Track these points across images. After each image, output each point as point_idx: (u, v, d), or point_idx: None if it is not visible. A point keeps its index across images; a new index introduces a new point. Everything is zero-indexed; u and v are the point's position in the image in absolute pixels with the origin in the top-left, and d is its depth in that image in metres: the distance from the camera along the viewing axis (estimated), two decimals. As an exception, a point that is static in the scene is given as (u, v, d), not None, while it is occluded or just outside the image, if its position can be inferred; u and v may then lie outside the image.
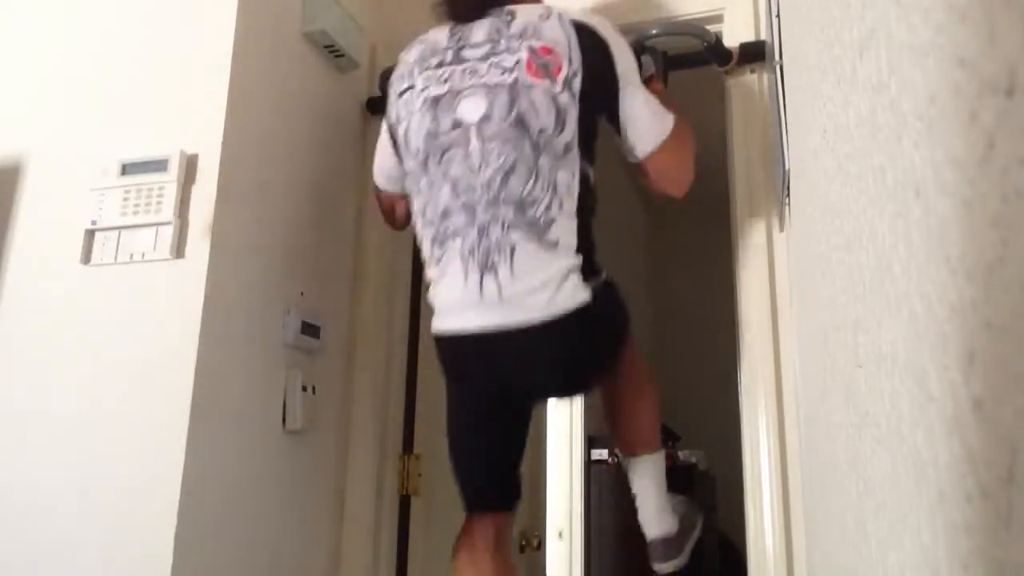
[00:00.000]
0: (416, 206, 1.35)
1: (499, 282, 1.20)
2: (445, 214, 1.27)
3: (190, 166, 1.43)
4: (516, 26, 1.31)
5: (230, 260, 1.42)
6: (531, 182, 1.23)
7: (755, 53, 1.65)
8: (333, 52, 1.78)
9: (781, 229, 1.54)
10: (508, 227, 1.22)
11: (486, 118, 1.26)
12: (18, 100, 1.65)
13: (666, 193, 1.41)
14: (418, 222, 1.34)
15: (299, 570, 1.59)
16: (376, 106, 1.93)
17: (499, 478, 1.39)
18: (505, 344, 1.23)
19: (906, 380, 0.34)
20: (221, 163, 1.42)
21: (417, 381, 1.94)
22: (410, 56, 1.41)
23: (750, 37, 1.69)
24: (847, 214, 0.49)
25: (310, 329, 1.63)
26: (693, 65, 1.70)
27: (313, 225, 1.71)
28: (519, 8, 1.35)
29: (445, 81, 1.31)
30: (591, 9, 1.83)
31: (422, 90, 1.33)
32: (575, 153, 1.26)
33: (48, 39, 1.67)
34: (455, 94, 1.29)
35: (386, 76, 1.84)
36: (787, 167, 1.18)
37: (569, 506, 2.69)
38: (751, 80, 1.68)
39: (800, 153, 0.94)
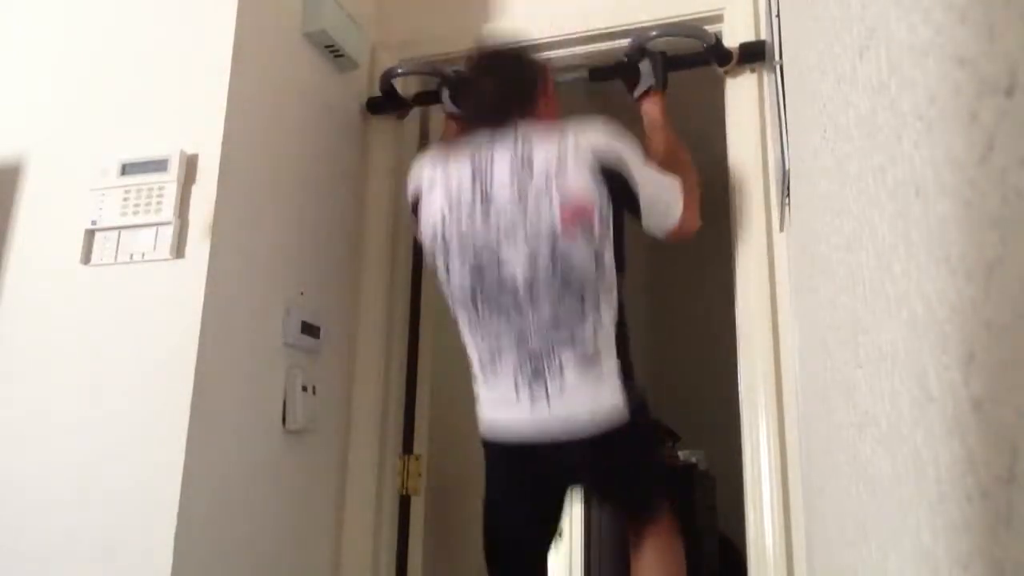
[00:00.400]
0: (465, 336, 1.43)
1: (548, 396, 1.32)
2: (497, 345, 1.37)
3: (190, 166, 1.43)
4: (538, 168, 1.32)
5: (230, 260, 1.42)
6: (578, 321, 1.33)
7: (755, 53, 1.65)
8: (333, 52, 1.78)
9: (781, 229, 1.54)
10: (558, 350, 1.32)
11: (531, 276, 1.33)
12: (18, 100, 1.65)
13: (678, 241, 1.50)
14: (467, 340, 1.43)
15: (299, 570, 1.59)
16: (376, 106, 1.94)
17: (531, 569, 1.49)
18: (553, 452, 1.34)
19: (906, 380, 0.34)
20: (221, 163, 1.42)
21: (417, 381, 1.94)
22: (434, 187, 1.41)
23: (750, 37, 1.68)
24: (847, 214, 0.49)
25: (310, 329, 1.63)
26: (693, 65, 1.70)
27: (313, 225, 1.71)
28: (536, 140, 1.35)
29: (482, 232, 1.35)
30: (594, 15, 1.83)
31: (458, 236, 1.37)
32: (614, 285, 1.37)
33: (48, 39, 1.66)
34: (495, 247, 1.34)
35: (387, 77, 1.84)
36: (787, 167, 1.18)
37: (569, 506, 2.69)
38: (751, 80, 1.68)
39: (800, 153, 0.94)
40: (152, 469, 1.29)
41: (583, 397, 1.31)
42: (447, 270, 1.40)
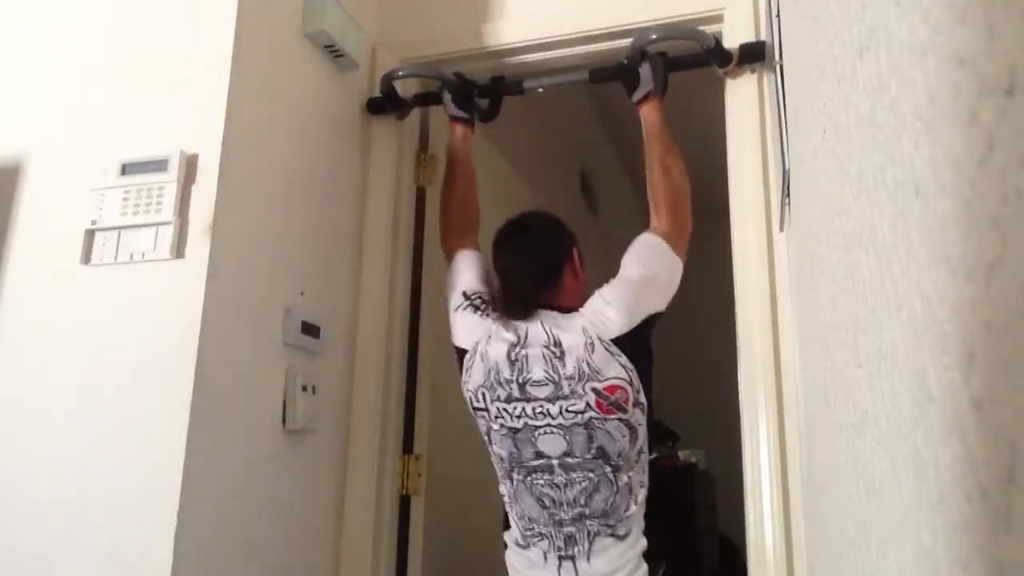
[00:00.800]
0: (505, 495, 1.48)
1: (576, 568, 1.37)
2: (532, 519, 1.42)
3: (190, 166, 1.43)
4: (570, 365, 1.38)
5: (230, 260, 1.42)
6: (612, 496, 1.38)
7: (755, 53, 1.65)
8: (333, 52, 1.78)
9: (781, 229, 1.54)
10: (590, 530, 1.38)
11: (567, 454, 1.39)
12: (18, 100, 1.65)
13: None
14: (508, 507, 1.48)
15: (299, 570, 1.59)
16: (376, 106, 1.94)
17: None
18: None
19: (906, 380, 0.34)
20: (221, 163, 1.42)
21: (417, 381, 1.94)
22: (475, 361, 1.46)
23: (750, 37, 1.68)
24: (847, 214, 0.49)
25: (310, 329, 1.63)
26: (693, 66, 1.70)
27: (313, 225, 1.71)
28: (562, 331, 1.40)
29: (519, 416, 1.42)
30: (594, 15, 1.83)
31: (497, 417, 1.44)
32: (646, 449, 1.42)
33: (48, 39, 1.66)
34: (532, 429, 1.41)
35: (388, 79, 1.84)
36: (787, 167, 1.18)
37: None
38: (751, 80, 1.68)
39: (800, 153, 0.94)
40: (152, 469, 1.29)
41: (609, 565, 1.35)
42: (488, 435, 1.48)
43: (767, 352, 1.53)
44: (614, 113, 3.85)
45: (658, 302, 1.45)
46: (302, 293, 1.63)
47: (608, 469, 1.37)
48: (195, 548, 1.28)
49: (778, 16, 1.25)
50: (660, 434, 3.40)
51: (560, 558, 1.38)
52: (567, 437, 1.38)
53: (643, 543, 1.39)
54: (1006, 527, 0.23)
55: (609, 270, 1.49)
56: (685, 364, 3.97)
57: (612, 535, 1.37)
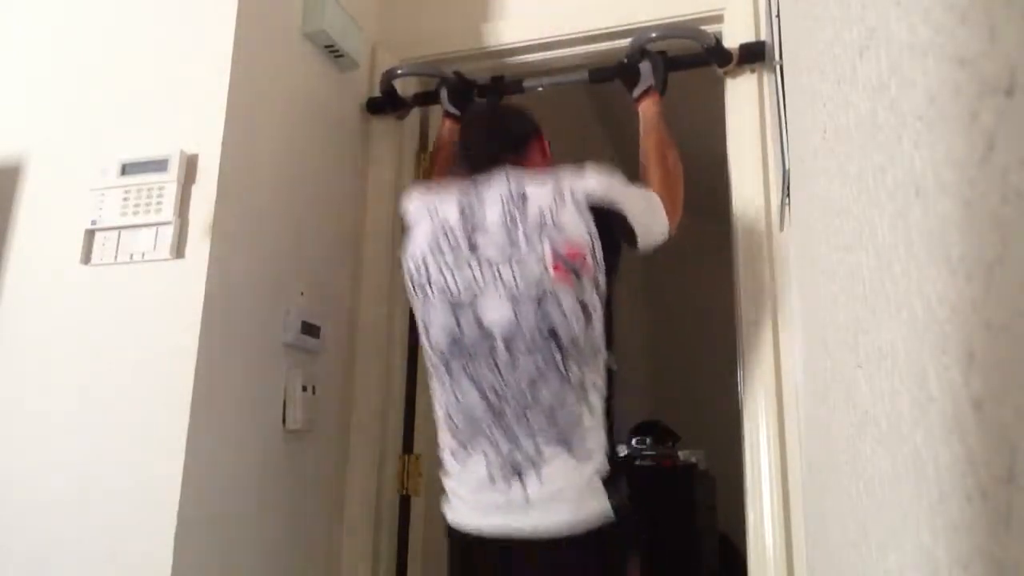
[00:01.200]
0: (437, 393, 1.33)
1: (527, 489, 1.20)
2: (471, 417, 1.26)
3: (190, 166, 1.43)
4: (532, 213, 1.25)
5: (230, 260, 1.42)
6: (561, 389, 1.22)
7: (755, 53, 1.65)
8: (333, 52, 1.78)
9: (781, 229, 1.54)
10: (537, 434, 1.21)
11: (514, 327, 1.23)
12: (18, 100, 1.65)
13: None
14: (438, 412, 1.33)
15: (299, 570, 1.59)
16: (376, 106, 1.94)
17: None
18: (528, 550, 1.21)
19: (906, 380, 0.34)
20: (221, 163, 1.42)
21: (417, 381, 1.94)
22: (420, 223, 1.35)
23: (750, 37, 1.69)
24: (847, 214, 0.49)
25: (310, 329, 1.63)
26: (693, 66, 1.70)
27: (313, 225, 1.71)
28: (528, 185, 1.29)
29: (463, 277, 1.26)
30: (594, 15, 1.83)
31: (437, 282, 1.29)
32: (602, 349, 1.26)
33: (48, 39, 1.67)
34: (477, 294, 1.25)
35: (387, 77, 1.85)
36: (787, 167, 1.18)
37: None
38: (751, 80, 1.68)
39: (800, 153, 0.94)
40: (152, 469, 1.29)
41: (565, 494, 1.19)
42: (426, 314, 1.32)
43: (767, 352, 1.53)
44: (614, 113, 3.85)
45: (637, 217, 1.31)
46: (302, 293, 1.63)
47: (558, 356, 1.21)
48: (195, 548, 1.28)
49: (778, 16, 1.25)
50: (660, 434, 3.41)
51: (507, 475, 1.21)
52: (514, 307, 1.22)
53: (603, 465, 1.21)
54: (1006, 527, 0.23)
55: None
56: (685, 364, 3.97)
57: (563, 445, 1.20)
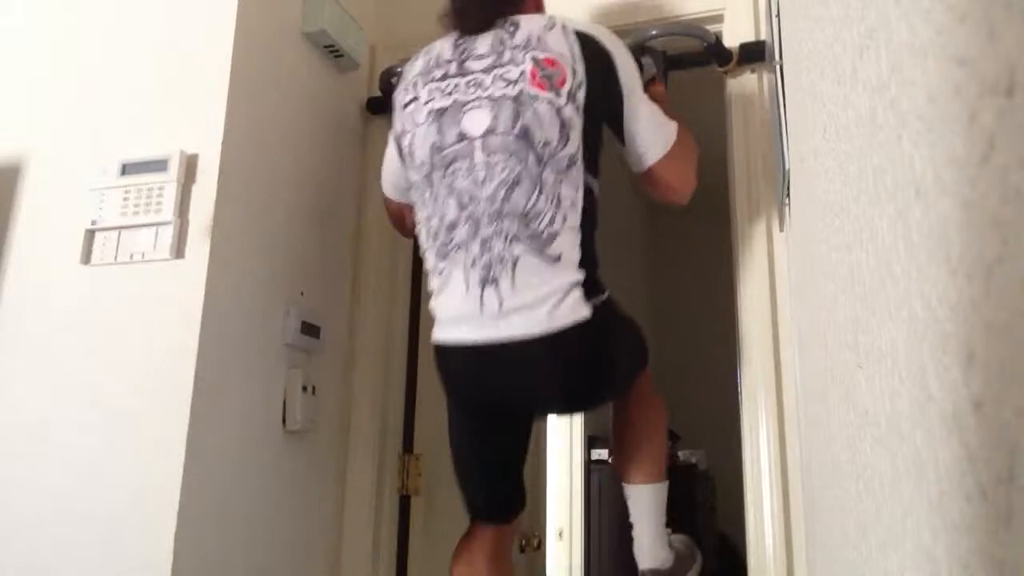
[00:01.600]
0: (420, 217, 1.34)
1: (500, 295, 1.20)
2: (450, 227, 1.26)
3: (190, 166, 1.43)
4: (520, 36, 1.30)
5: (230, 260, 1.42)
6: (535, 195, 1.22)
7: (755, 53, 1.65)
8: (333, 52, 1.78)
9: (781, 229, 1.54)
10: (511, 240, 1.21)
11: (490, 131, 1.25)
12: (18, 100, 1.65)
13: (670, 201, 1.43)
14: (422, 233, 1.34)
15: (299, 570, 1.59)
16: (376, 106, 1.94)
17: (501, 490, 1.41)
18: (504, 357, 1.22)
19: (906, 380, 0.34)
20: (221, 163, 1.42)
21: (417, 381, 1.94)
22: (414, 68, 1.40)
23: (750, 37, 1.69)
24: (847, 214, 0.49)
25: (310, 329, 1.63)
26: (693, 65, 1.70)
27: (313, 225, 1.71)
28: (523, 18, 1.34)
29: (449, 94, 1.30)
30: (594, 14, 1.83)
31: (426, 102, 1.33)
32: (579, 166, 1.26)
33: (48, 39, 1.67)
34: (460, 106, 1.29)
35: (387, 76, 1.84)
36: (787, 167, 1.18)
37: (569, 506, 2.69)
38: (751, 80, 1.68)
39: (800, 153, 0.94)
40: (152, 469, 1.29)
41: (537, 294, 1.19)
42: (411, 142, 1.34)
43: (767, 352, 1.53)
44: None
45: (632, 101, 1.32)
46: (302, 293, 1.63)
47: (532, 158, 1.22)
48: (195, 548, 1.28)
49: (778, 16, 1.25)
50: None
51: (482, 281, 1.21)
52: (493, 111, 1.26)
53: (580, 274, 1.21)
54: (1006, 527, 0.23)
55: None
56: (685, 364, 3.97)
57: (537, 253, 1.20)
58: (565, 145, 1.24)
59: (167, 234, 1.39)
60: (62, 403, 1.38)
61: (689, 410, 3.66)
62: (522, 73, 1.26)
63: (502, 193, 1.22)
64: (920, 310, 0.31)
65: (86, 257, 1.45)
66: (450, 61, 1.33)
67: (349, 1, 1.81)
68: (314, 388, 1.63)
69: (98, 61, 1.59)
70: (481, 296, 1.21)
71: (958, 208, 0.26)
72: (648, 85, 1.62)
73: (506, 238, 1.21)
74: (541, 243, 1.20)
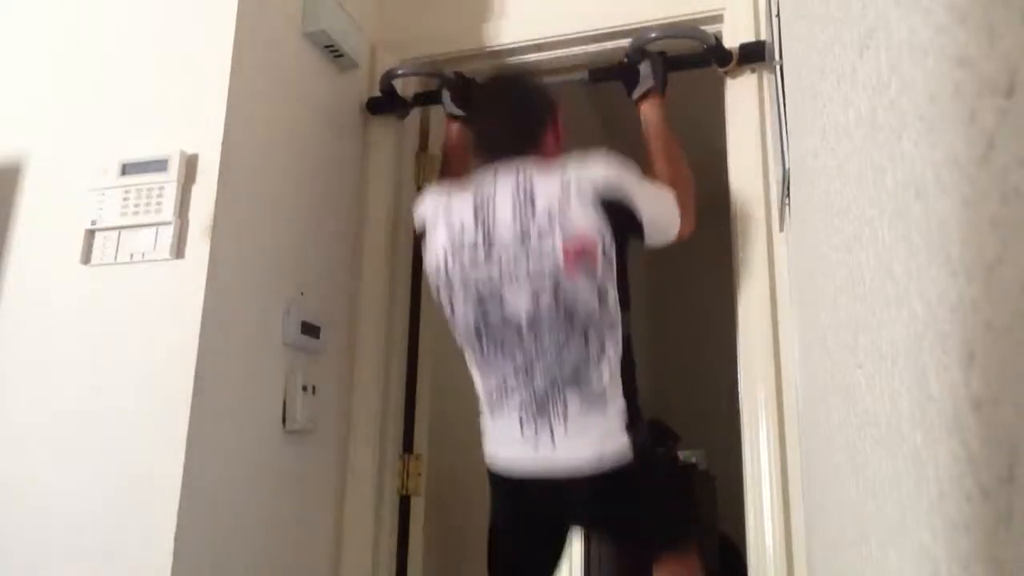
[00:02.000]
0: (471, 362, 1.44)
1: (553, 437, 1.32)
2: (503, 379, 1.37)
3: (190, 166, 1.43)
4: (540, 206, 1.31)
5: (230, 260, 1.42)
6: (583, 355, 1.32)
7: (755, 53, 1.65)
8: (333, 52, 1.78)
9: (781, 229, 1.54)
10: (564, 392, 1.32)
11: (534, 312, 1.33)
12: (18, 100, 1.65)
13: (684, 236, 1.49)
14: (474, 375, 1.44)
15: (299, 570, 1.59)
16: (376, 106, 1.94)
17: None
18: (554, 485, 1.34)
19: (906, 380, 0.34)
20: (221, 163, 1.42)
21: (417, 381, 1.94)
22: (437, 225, 1.41)
23: (750, 37, 1.68)
24: (847, 214, 0.49)
25: (310, 329, 1.63)
26: (693, 66, 1.70)
27: (313, 225, 1.71)
28: (537, 179, 1.34)
29: (485, 274, 1.35)
30: (594, 15, 1.83)
31: (461, 275, 1.37)
32: (618, 316, 1.35)
33: (48, 39, 1.67)
34: (498, 285, 1.35)
35: (387, 77, 1.84)
36: (787, 167, 1.18)
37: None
38: (751, 80, 1.68)
39: (800, 153, 0.94)
40: (152, 469, 1.29)
41: (588, 437, 1.31)
42: (451, 307, 1.41)
43: (767, 352, 1.53)
44: (614, 113, 3.85)
45: (645, 210, 1.35)
46: (302, 293, 1.63)
47: (577, 328, 1.32)
48: (195, 548, 1.28)
49: (778, 16, 1.25)
50: (660, 434, 3.40)
51: (536, 428, 1.33)
52: (534, 293, 1.32)
53: (621, 403, 1.32)
54: (1006, 527, 0.23)
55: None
56: (685, 364, 3.97)
57: (588, 400, 1.31)
58: (605, 306, 1.34)
59: (167, 234, 1.39)
60: (62, 403, 1.38)
61: (689, 410, 3.66)
62: (556, 260, 1.30)
63: (552, 356, 1.33)
64: (920, 310, 0.31)
65: (86, 257, 1.45)
66: (475, 244, 1.36)
67: (349, 1, 1.81)
68: (314, 388, 1.63)
69: (98, 61, 1.59)
70: (536, 436, 1.33)
71: (958, 208, 0.26)
72: (645, 96, 1.62)
73: (559, 390, 1.33)
74: (591, 391, 1.32)
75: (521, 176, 1.35)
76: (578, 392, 1.32)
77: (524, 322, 1.33)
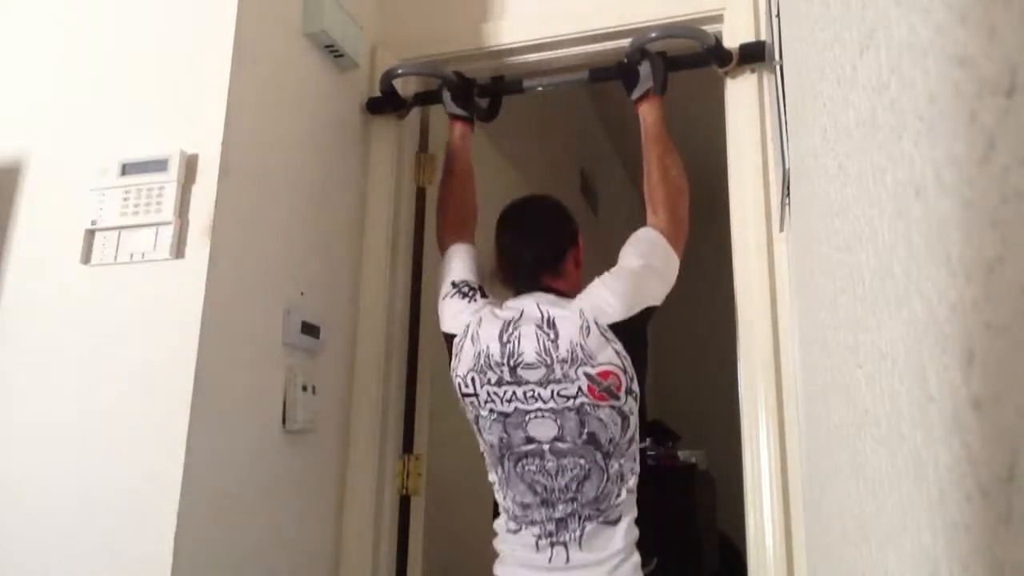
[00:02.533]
0: (492, 477, 1.49)
1: (568, 553, 1.36)
2: (524, 506, 1.41)
3: (190, 166, 1.43)
4: (563, 348, 1.38)
5: (230, 260, 1.42)
6: (603, 483, 1.37)
7: (755, 53, 1.65)
8: (333, 52, 1.78)
9: (781, 229, 1.54)
10: (583, 518, 1.37)
11: (558, 439, 1.39)
12: (18, 100, 1.65)
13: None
14: (493, 481, 1.48)
15: (299, 569, 1.59)
16: (376, 106, 1.94)
17: None
18: None
19: (906, 380, 0.34)
20: (221, 163, 1.42)
21: (417, 381, 1.94)
22: (463, 348, 1.46)
23: (750, 37, 1.68)
24: (847, 214, 0.49)
25: (310, 329, 1.63)
26: (693, 66, 1.70)
27: (313, 225, 1.71)
28: (557, 317, 1.40)
29: (509, 400, 1.41)
30: (594, 15, 1.83)
31: (487, 402, 1.44)
32: (637, 439, 1.41)
33: (48, 39, 1.66)
34: (523, 414, 1.40)
35: (387, 77, 1.84)
36: (787, 167, 1.18)
37: None
38: (751, 80, 1.68)
39: (800, 153, 0.94)
40: (152, 469, 1.29)
41: (600, 553, 1.35)
42: (477, 423, 1.48)
43: (767, 352, 1.53)
44: (614, 113, 3.85)
45: (656, 294, 1.46)
46: (302, 293, 1.63)
47: (599, 456, 1.37)
48: (195, 548, 1.28)
49: (778, 16, 1.25)
50: (660, 434, 3.41)
51: (552, 544, 1.37)
52: (558, 422, 1.38)
53: (635, 532, 1.38)
54: (1006, 527, 0.23)
55: (607, 266, 1.49)
56: (685, 364, 3.97)
57: (604, 522, 1.36)
58: (626, 432, 1.39)
59: (167, 234, 1.39)
60: (62, 403, 1.38)
61: (689, 410, 3.66)
62: (579, 389, 1.37)
63: (574, 486, 1.38)
64: (920, 310, 0.31)
65: (86, 257, 1.45)
66: (501, 364, 1.42)
67: (349, 1, 1.81)
68: (314, 388, 1.63)
69: (98, 61, 1.59)
70: (551, 552, 1.37)
71: (958, 208, 0.26)
72: (643, 99, 1.63)
73: (579, 517, 1.37)
74: (608, 515, 1.37)
75: (542, 310, 1.41)
76: (596, 518, 1.37)
77: (547, 446, 1.39)
